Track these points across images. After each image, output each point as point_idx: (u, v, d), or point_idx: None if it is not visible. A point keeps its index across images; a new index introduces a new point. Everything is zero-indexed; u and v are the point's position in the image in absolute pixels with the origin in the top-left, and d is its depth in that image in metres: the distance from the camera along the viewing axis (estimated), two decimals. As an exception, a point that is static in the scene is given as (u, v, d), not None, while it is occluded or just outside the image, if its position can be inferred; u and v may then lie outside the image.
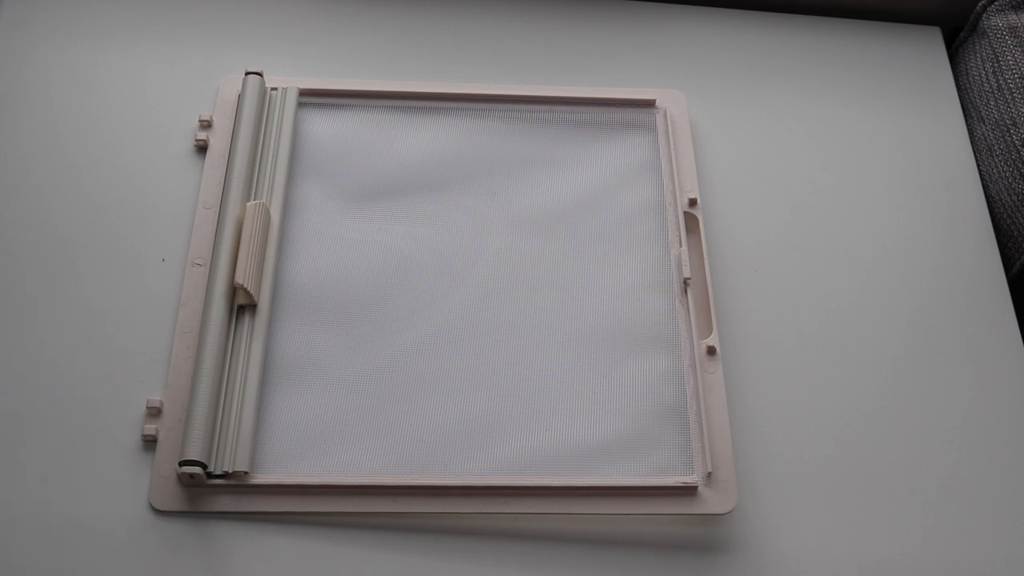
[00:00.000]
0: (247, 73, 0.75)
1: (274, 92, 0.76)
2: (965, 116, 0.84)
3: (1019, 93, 0.79)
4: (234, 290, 0.67)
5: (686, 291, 0.71)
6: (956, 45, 0.88)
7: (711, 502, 0.63)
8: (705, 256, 0.72)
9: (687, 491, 0.63)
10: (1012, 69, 0.81)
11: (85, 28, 0.79)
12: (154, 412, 0.64)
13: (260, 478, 0.62)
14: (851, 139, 0.81)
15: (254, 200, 0.71)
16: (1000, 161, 0.79)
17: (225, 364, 0.65)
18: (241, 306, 0.67)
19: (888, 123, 0.82)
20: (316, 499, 0.62)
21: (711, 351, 0.68)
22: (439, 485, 0.62)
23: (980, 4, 0.86)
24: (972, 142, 0.82)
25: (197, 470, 0.60)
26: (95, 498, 0.61)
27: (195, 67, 0.78)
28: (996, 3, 0.85)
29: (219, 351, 0.64)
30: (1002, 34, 0.83)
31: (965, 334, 0.73)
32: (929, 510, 0.66)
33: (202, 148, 0.74)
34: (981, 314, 0.74)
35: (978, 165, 0.81)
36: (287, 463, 0.63)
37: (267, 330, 0.67)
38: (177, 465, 0.61)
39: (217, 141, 0.74)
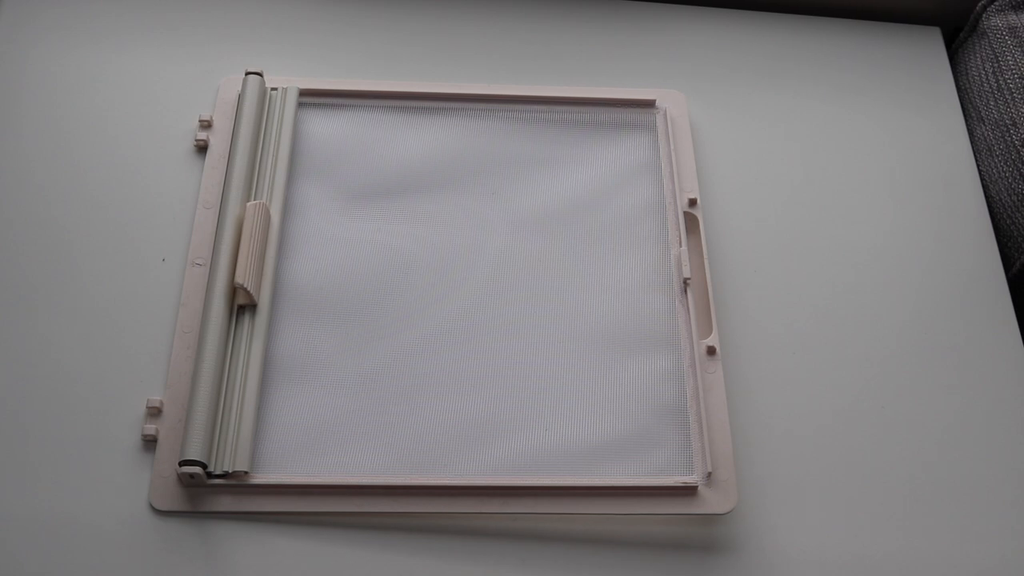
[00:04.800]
0: (247, 73, 0.75)
1: (274, 92, 0.76)
2: (965, 116, 0.84)
3: (1019, 93, 0.79)
4: (234, 290, 0.67)
5: (686, 291, 0.71)
6: (956, 45, 0.88)
7: (711, 502, 0.63)
8: (705, 256, 0.72)
9: (687, 491, 0.63)
10: (1012, 69, 0.81)
11: (85, 28, 0.79)
12: (154, 412, 0.64)
13: (260, 478, 0.62)
14: (851, 139, 0.81)
15: (254, 200, 0.71)
16: (1000, 161, 0.79)
17: (225, 364, 0.65)
18: (241, 306, 0.67)
19: (888, 123, 0.82)
20: (316, 499, 0.62)
21: (711, 351, 0.68)
22: (439, 485, 0.62)
23: (980, 4, 0.86)
24: (972, 142, 0.82)
25: (197, 470, 0.60)
26: (95, 498, 0.61)
27: (195, 67, 0.78)
28: (996, 3, 0.85)
29: (219, 351, 0.64)
30: (1002, 34, 0.83)
31: (965, 334, 0.73)
32: (928, 510, 0.66)
33: (202, 148, 0.74)
34: (981, 314, 0.74)
35: (978, 165, 0.81)
36: (287, 463, 0.63)
37: (267, 330, 0.67)
38: (177, 465, 0.61)
39: (217, 141, 0.74)
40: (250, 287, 0.66)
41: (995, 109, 0.81)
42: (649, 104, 0.79)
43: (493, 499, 0.63)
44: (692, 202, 0.74)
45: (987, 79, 0.82)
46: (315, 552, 0.61)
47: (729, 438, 0.65)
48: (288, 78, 0.77)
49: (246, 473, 0.62)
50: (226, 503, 0.62)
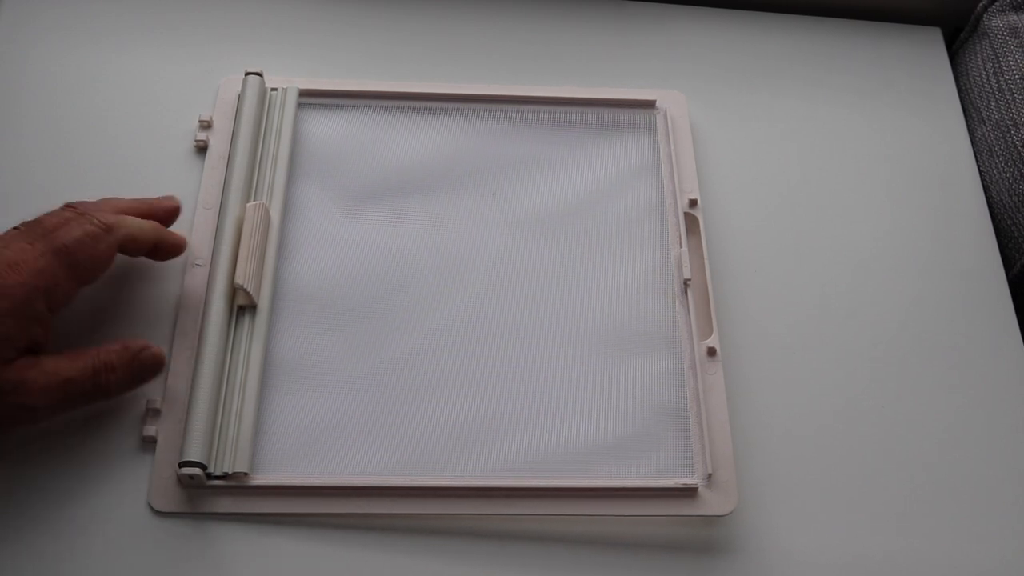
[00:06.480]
0: (247, 73, 0.75)
1: (274, 92, 0.76)
2: (965, 117, 0.84)
3: (1020, 94, 0.79)
4: (234, 291, 0.67)
5: (686, 292, 0.70)
6: (956, 46, 0.88)
7: (711, 503, 0.63)
8: (705, 257, 0.72)
9: (687, 492, 0.63)
10: (1013, 70, 0.81)
11: (85, 28, 0.79)
12: (154, 413, 0.64)
13: (260, 479, 0.62)
14: (851, 139, 0.81)
15: (254, 201, 0.70)
16: (1001, 162, 0.79)
17: (225, 365, 0.65)
18: (241, 307, 0.67)
19: (888, 124, 0.82)
20: (316, 500, 0.62)
21: (711, 352, 0.68)
22: (440, 486, 0.62)
23: (981, 5, 0.86)
24: (972, 143, 0.82)
25: (197, 471, 0.60)
26: (95, 498, 0.61)
27: (195, 67, 0.78)
28: (997, 4, 0.85)
29: (219, 352, 0.64)
30: (1003, 35, 0.83)
31: (965, 334, 0.73)
32: (929, 510, 0.66)
33: (202, 148, 0.74)
34: (981, 314, 0.74)
35: (978, 166, 0.81)
36: (287, 464, 0.63)
37: (267, 331, 0.67)
38: (177, 466, 0.61)
39: (217, 141, 0.74)
40: (250, 288, 0.66)
41: (996, 110, 0.81)
42: (649, 104, 0.79)
43: (494, 500, 0.63)
44: (692, 203, 0.74)
45: (988, 80, 0.82)
46: (315, 553, 0.61)
47: (729, 439, 0.65)
48: (288, 78, 0.77)
49: (246, 474, 0.62)
50: (226, 504, 0.62)
